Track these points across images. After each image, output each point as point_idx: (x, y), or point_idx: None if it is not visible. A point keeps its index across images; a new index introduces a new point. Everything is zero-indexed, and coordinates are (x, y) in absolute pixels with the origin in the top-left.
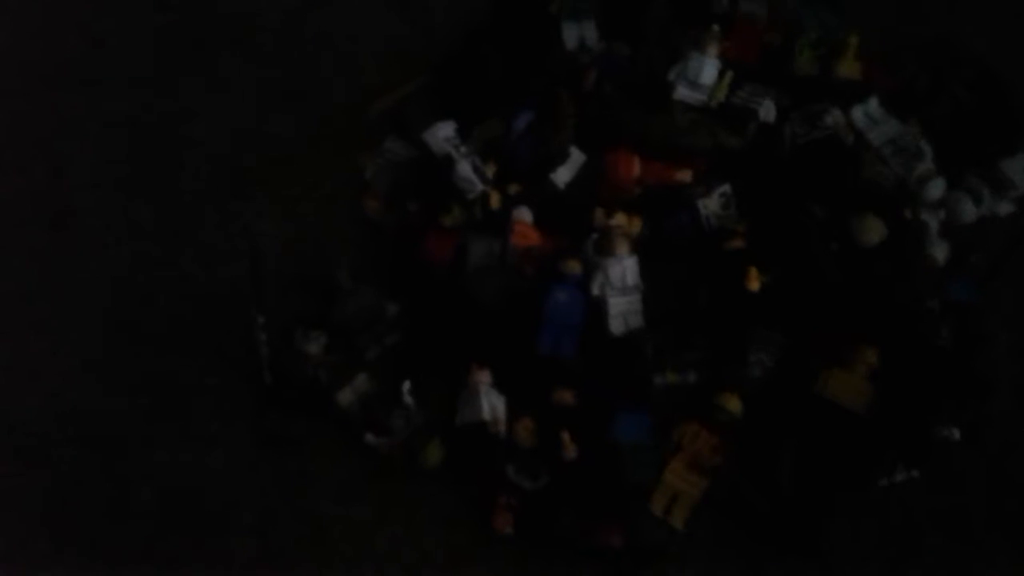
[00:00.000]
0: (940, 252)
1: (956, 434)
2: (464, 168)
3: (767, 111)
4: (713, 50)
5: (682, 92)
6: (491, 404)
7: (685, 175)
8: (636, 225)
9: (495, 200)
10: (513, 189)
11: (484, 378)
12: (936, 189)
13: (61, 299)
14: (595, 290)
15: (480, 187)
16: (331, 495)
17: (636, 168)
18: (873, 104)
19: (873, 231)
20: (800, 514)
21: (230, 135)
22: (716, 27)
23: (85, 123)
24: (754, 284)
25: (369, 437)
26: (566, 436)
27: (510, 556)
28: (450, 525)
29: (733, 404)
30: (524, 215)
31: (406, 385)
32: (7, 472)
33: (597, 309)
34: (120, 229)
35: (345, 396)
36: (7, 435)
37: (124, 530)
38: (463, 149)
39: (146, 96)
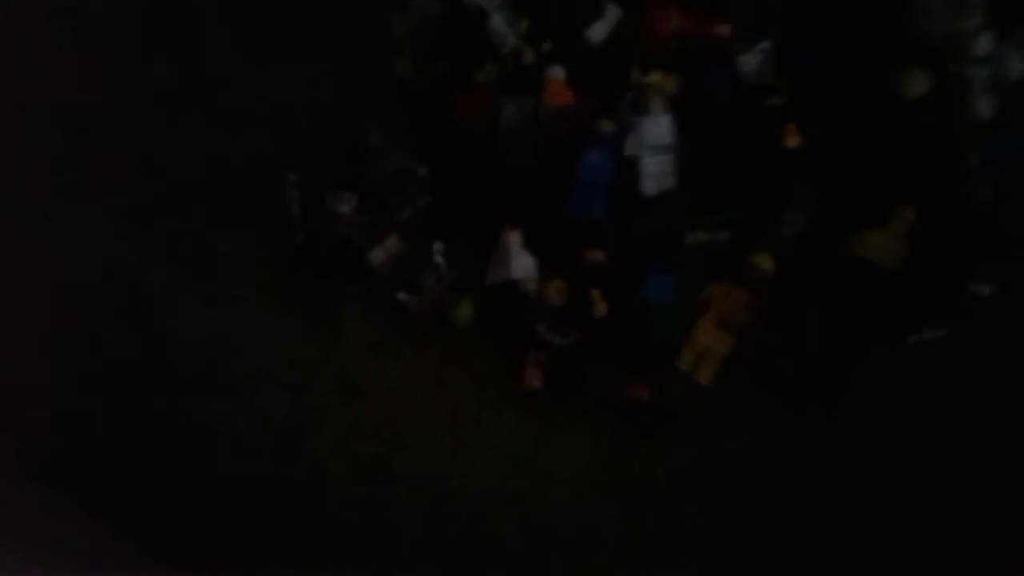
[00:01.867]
0: (985, 107)
1: (986, 290)
2: (497, 21)
3: None
4: None
5: None
6: (522, 264)
7: (725, 29)
8: (672, 83)
9: (528, 55)
10: (546, 46)
11: (515, 238)
12: (984, 43)
13: (87, 166)
14: (628, 149)
15: (513, 41)
16: (362, 352)
17: (674, 20)
18: None
19: (917, 83)
20: (824, 370)
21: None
22: None
23: None
24: (792, 141)
25: (401, 295)
26: (596, 293)
27: (539, 410)
28: (480, 381)
29: (766, 262)
30: (557, 73)
31: (437, 245)
32: (46, 328)
33: (630, 169)
34: (145, 94)
35: (377, 256)
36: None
37: (155, 389)
38: (496, 2)
39: None
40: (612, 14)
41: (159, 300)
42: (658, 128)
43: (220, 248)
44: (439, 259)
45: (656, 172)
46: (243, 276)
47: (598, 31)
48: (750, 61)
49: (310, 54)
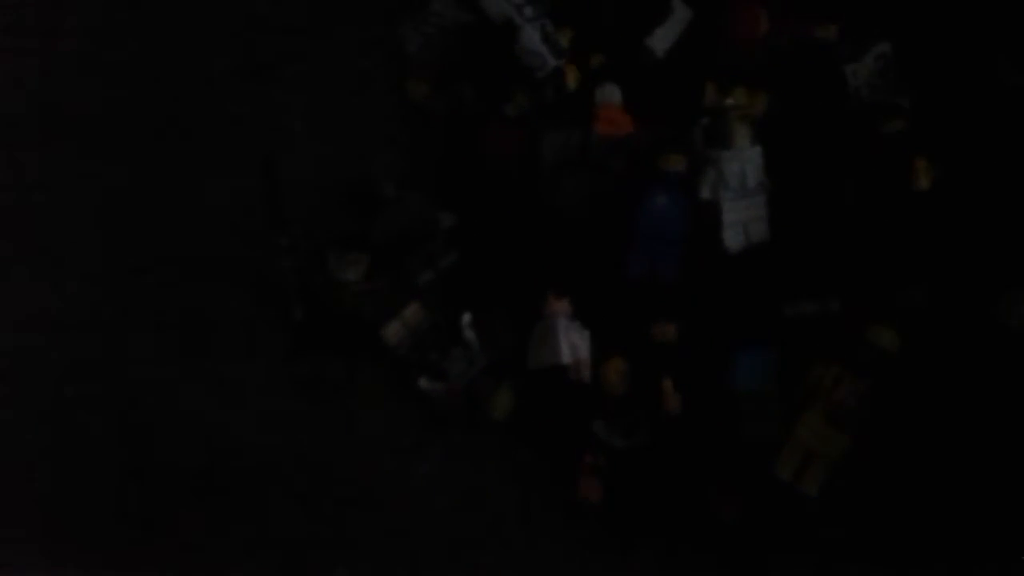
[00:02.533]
0: None
1: None
2: (530, 37)
3: None
4: None
5: None
6: (572, 342)
7: (830, 30)
8: (761, 103)
9: (572, 78)
10: (596, 61)
11: (563, 309)
12: None
13: (54, 221)
14: (705, 192)
15: (552, 62)
16: (380, 450)
17: (763, 21)
18: None
19: None
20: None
21: (244, 7)
22: None
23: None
24: (923, 180)
25: (423, 381)
26: (668, 384)
27: (598, 528)
28: (524, 488)
29: (888, 339)
30: (612, 95)
31: (466, 317)
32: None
33: (708, 217)
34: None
35: (393, 331)
36: (22, 387)
37: (147, 497)
38: (528, 11)
39: None
40: (680, 16)
41: (144, 383)
42: (743, 164)
43: (215, 323)
44: (469, 335)
45: (742, 220)
46: (241, 357)
47: (662, 39)
48: (862, 71)
49: (303, 81)
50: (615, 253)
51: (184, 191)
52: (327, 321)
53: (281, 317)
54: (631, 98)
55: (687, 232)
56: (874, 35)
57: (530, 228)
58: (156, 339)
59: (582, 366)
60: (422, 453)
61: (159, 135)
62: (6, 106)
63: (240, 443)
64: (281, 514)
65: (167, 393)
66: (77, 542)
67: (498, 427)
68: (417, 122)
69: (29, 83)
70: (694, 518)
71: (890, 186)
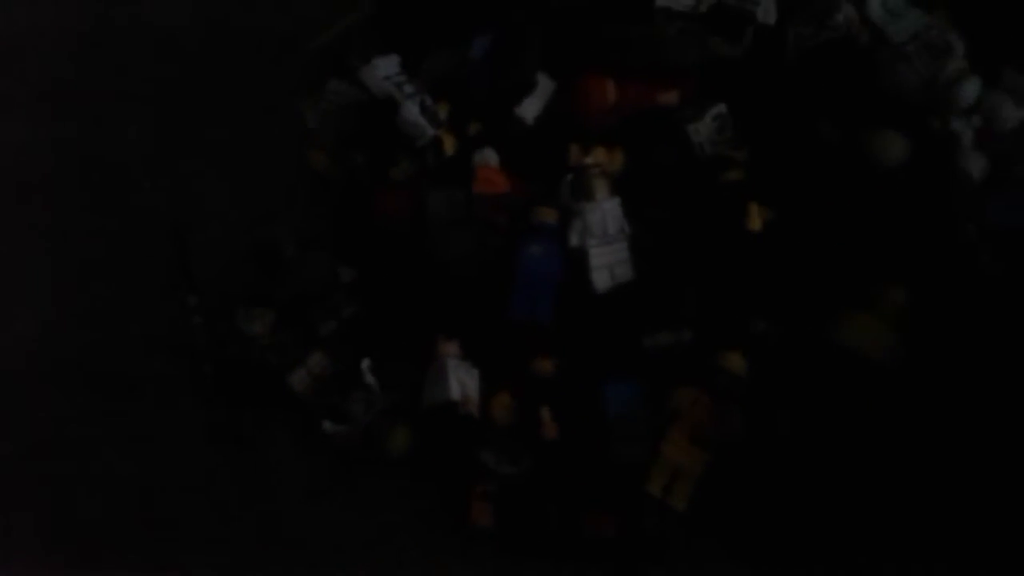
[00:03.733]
0: (976, 166)
1: None
2: (409, 110)
3: (766, 12)
4: None
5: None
6: (461, 380)
7: (671, 96)
8: (617, 161)
9: (449, 145)
10: (473, 129)
11: (452, 350)
12: (970, 90)
13: None
14: (574, 240)
15: (431, 131)
16: (293, 492)
17: (611, 93)
18: None
19: (892, 147)
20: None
21: (154, 84)
22: None
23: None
24: (755, 222)
25: (327, 424)
26: (546, 413)
27: (493, 552)
28: (426, 520)
29: (736, 363)
30: (489, 158)
31: (366, 363)
32: None
33: (578, 263)
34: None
35: (299, 379)
36: None
37: (67, 546)
38: (408, 88)
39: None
40: (544, 88)
41: (63, 438)
42: (604, 214)
43: (130, 378)
44: (369, 379)
45: (607, 264)
46: (156, 410)
47: (530, 108)
48: (702, 130)
49: (211, 153)
50: (497, 298)
51: (96, 253)
52: (238, 373)
53: (194, 371)
54: (506, 160)
55: (560, 277)
56: (711, 99)
57: (421, 279)
58: (74, 398)
59: (471, 402)
60: (331, 495)
61: (74, 202)
62: None
63: (157, 493)
64: (197, 555)
65: (87, 450)
66: None
67: (399, 465)
68: (316, 188)
69: None
70: (576, 534)
71: (729, 228)
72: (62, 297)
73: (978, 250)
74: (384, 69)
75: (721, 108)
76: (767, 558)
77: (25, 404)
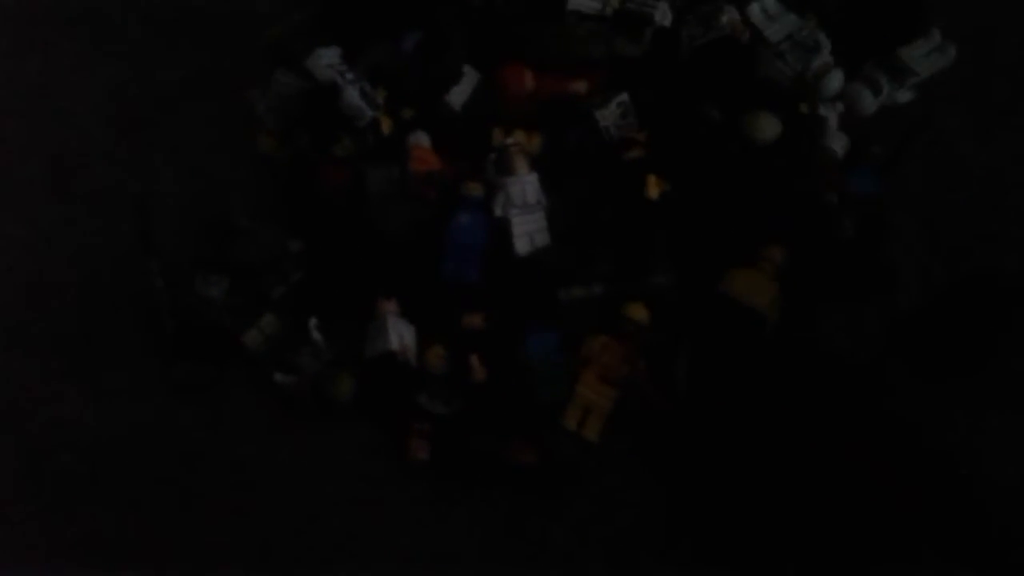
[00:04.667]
0: (839, 145)
1: None
2: (351, 95)
3: (663, 15)
4: None
5: (576, 1)
6: (399, 334)
7: (580, 86)
8: (535, 142)
9: (386, 126)
10: (407, 114)
11: (391, 308)
12: (834, 81)
13: None
14: (498, 210)
15: (370, 113)
16: (249, 437)
17: (529, 81)
18: (769, 0)
19: (767, 128)
20: (689, 410)
21: (114, 80)
22: None
23: None
24: (654, 191)
25: (278, 376)
26: (474, 359)
27: (428, 482)
28: (368, 456)
29: (639, 313)
30: (421, 140)
31: (312, 321)
32: None
33: (502, 230)
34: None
35: (252, 337)
36: None
37: (43, 495)
38: (349, 76)
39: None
40: (470, 78)
41: (33, 393)
42: (524, 187)
43: (95, 340)
44: (315, 335)
45: (528, 231)
46: (121, 368)
47: (457, 96)
48: (608, 116)
49: (170, 137)
50: (431, 262)
51: (63, 226)
52: (196, 333)
53: (155, 332)
54: (437, 141)
55: (486, 242)
56: (616, 89)
57: (362, 247)
58: (43, 358)
59: (408, 352)
60: (282, 438)
61: (42, 172)
62: None
63: (121, 443)
64: (157, 499)
65: (57, 407)
66: None
67: (344, 410)
68: (265, 167)
69: None
70: (501, 463)
71: (632, 198)
72: (31, 264)
73: (840, 214)
74: (327, 58)
75: (624, 97)
76: (669, 477)
77: None
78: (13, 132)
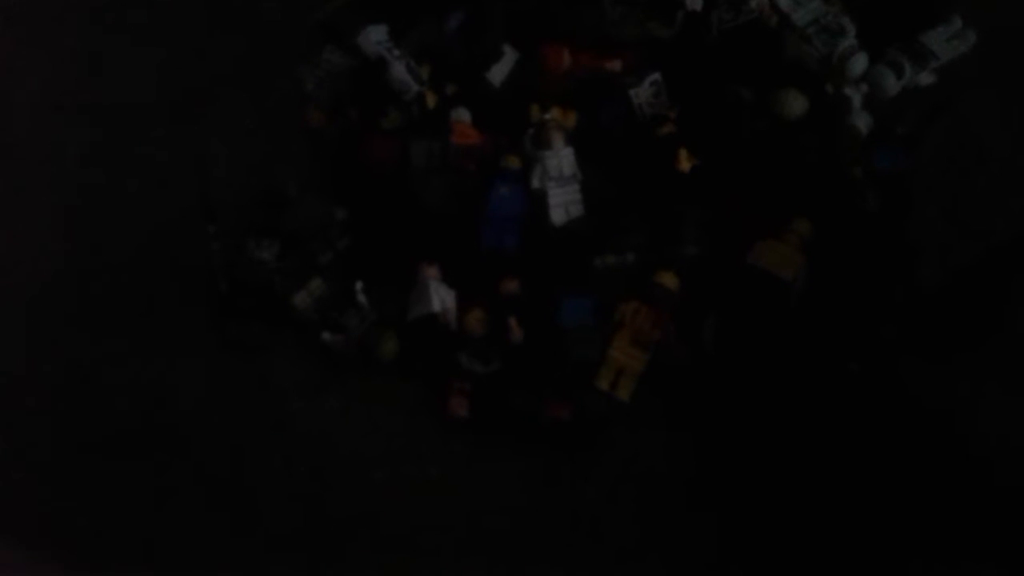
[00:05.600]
0: (863, 123)
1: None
2: (398, 69)
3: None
4: None
5: None
6: (441, 297)
7: (615, 64)
8: (571, 118)
9: (431, 100)
10: (450, 90)
11: (433, 273)
12: (859, 64)
13: (11, 231)
14: (535, 183)
15: (415, 88)
16: (295, 393)
17: (566, 60)
18: None
19: (795, 104)
20: (718, 372)
21: (167, 56)
22: None
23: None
24: (684, 165)
25: (325, 335)
26: (513, 321)
27: (468, 439)
28: (410, 413)
29: (670, 281)
30: (463, 115)
31: (358, 285)
32: None
33: (538, 201)
34: (69, 158)
35: (301, 299)
36: None
37: (105, 439)
38: (396, 52)
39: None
40: (510, 57)
41: (95, 353)
42: (560, 161)
43: (150, 303)
44: (361, 298)
45: (563, 202)
46: (175, 327)
47: (497, 74)
48: (641, 94)
49: (226, 114)
50: (471, 231)
51: (127, 187)
52: (248, 294)
53: (208, 294)
54: (478, 117)
55: (524, 213)
56: (649, 69)
57: (405, 216)
58: (104, 316)
59: (449, 314)
60: (327, 394)
61: (112, 160)
62: None
63: (178, 397)
64: (209, 451)
65: (116, 362)
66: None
67: (387, 368)
68: (312, 141)
69: None
70: (539, 420)
71: (664, 169)
72: (89, 231)
73: (864, 189)
74: (375, 35)
75: (657, 76)
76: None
77: (62, 322)
78: (71, 105)
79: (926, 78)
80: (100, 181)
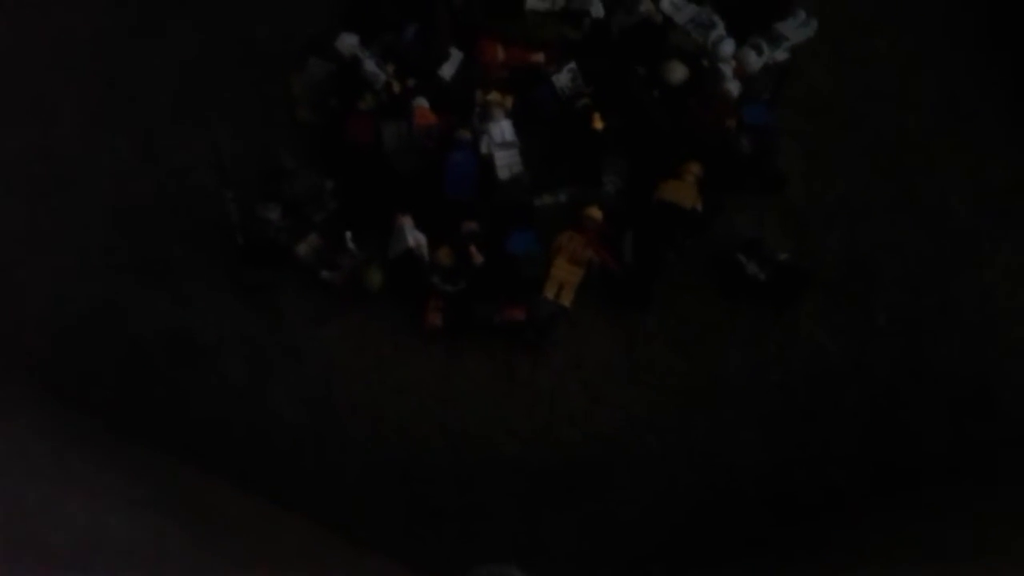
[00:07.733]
0: (734, 88)
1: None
2: (369, 64)
3: (596, 8)
4: None
5: (532, 2)
6: (415, 237)
7: (539, 56)
8: (508, 100)
9: (396, 87)
10: (410, 83)
11: (407, 221)
12: (727, 47)
13: (60, 222)
14: (483, 149)
15: (384, 77)
16: (299, 323)
17: (500, 54)
18: None
19: (678, 71)
20: (638, 277)
21: (182, 48)
22: None
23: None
24: (598, 124)
25: (324, 273)
26: (473, 248)
27: (443, 343)
28: (395, 330)
29: (596, 213)
30: (422, 102)
31: (348, 234)
32: (36, 350)
33: (487, 163)
34: (105, 160)
35: (302, 249)
36: (35, 316)
37: (137, 365)
38: (367, 52)
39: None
40: (456, 57)
41: (129, 299)
42: (502, 130)
43: (176, 254)
44: (350, 244)
45: (507, 163)
46: (197, 275)
47: (447, 70)
48: (561, 79)
49: (230, 111)
50: (435, 188)
51: (143, 165)
52: (259, 246)
53: (228, 245)
54: (434, 103)
55: (477, 172)
56: (566, 60)
57: (382, 182)
58: (136, 266)
59: (422, 248)
60: (328, 321)
61: (144, 153)
62: None
63: (201, 332)
64: (230, 370)
65: (147, 307)
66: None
67: (376, 296)
68: (306, 130)
69: None
70: (499, 323)
71: (584, 131)
72: (118, 197)
73: (737, 138)
74: (349, 40)
75: (572, 65)
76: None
77: (94, 275)
78: (98, 91)
79: (781, 55)
80: (137, 165)
